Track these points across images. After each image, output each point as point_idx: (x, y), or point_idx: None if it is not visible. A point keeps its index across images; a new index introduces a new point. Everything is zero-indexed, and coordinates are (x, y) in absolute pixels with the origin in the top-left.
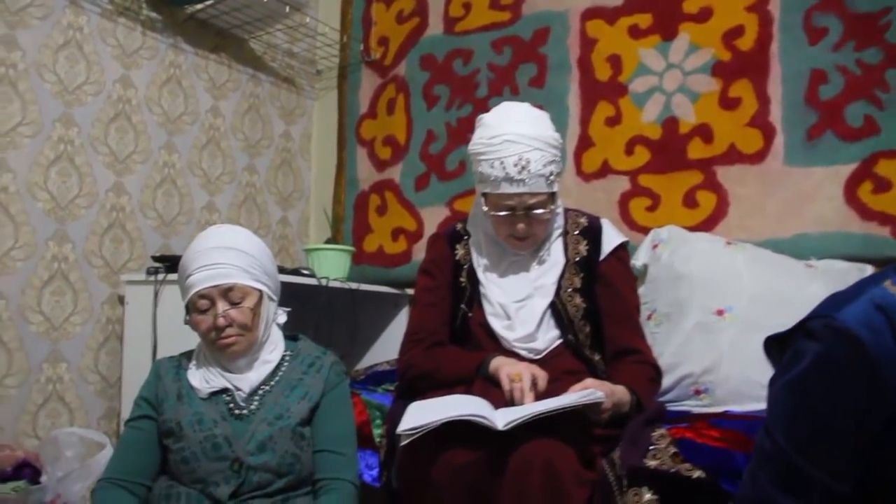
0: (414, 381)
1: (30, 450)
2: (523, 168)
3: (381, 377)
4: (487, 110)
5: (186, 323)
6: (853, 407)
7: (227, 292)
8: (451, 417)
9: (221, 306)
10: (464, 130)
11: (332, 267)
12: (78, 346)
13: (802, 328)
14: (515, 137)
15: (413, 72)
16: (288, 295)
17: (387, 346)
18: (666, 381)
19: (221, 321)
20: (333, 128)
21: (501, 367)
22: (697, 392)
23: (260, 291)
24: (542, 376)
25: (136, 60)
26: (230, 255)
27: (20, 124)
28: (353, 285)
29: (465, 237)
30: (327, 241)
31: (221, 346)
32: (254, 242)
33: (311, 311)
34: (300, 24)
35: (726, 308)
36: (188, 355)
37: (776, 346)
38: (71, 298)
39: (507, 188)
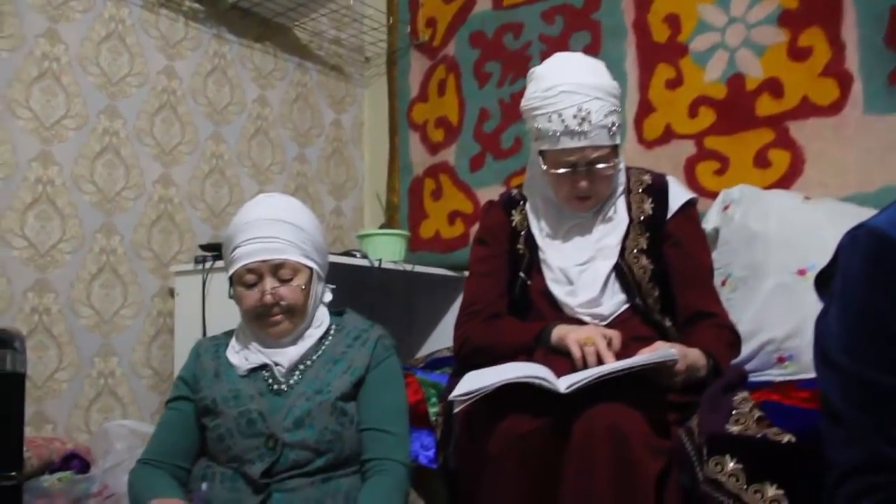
0: (471, 355)
1: (82, 444)
2: (583, 119)
3: (440, 364)
4: None
5: (231, 297)
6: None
7: (277, 269)
8: (507, 380)
9: (270, 283)
10: (518, 106)
11: (386, 252)
12: (129, 340)
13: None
14: (573, 87)
15: (463, 51)
16: (338, 280)
17: (446, 333)
18: (745, 350)
19: (269, 298)
20: (384, 114)
21: (567, 334)
22: (780, 360)
23: (311, 269)
24: (616, 335)
25: (179, 51)
26: (282, 228)
27: (65, 117)
28: (408, 267)
29: (521, 202)
30: (382, 227)
31: (266, 325)
32: (307, 215)
33: (363, 297)
34: (344, 6)
35: (809, 266)
36: (229, 334)
37: (825, 281)
38: (121, 291)
39: (567, 142)
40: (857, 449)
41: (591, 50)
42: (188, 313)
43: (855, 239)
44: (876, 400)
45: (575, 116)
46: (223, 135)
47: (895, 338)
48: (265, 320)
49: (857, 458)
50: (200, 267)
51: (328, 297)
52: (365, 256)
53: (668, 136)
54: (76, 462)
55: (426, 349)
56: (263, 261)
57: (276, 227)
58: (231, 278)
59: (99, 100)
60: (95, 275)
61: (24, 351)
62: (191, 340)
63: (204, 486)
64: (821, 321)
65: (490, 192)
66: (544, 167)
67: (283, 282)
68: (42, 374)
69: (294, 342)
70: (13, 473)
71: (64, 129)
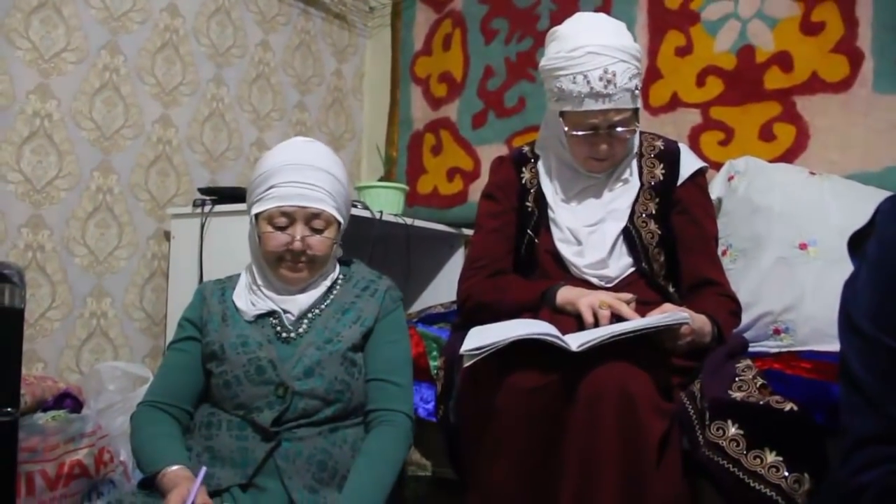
0: (474, 311)
1: (73, 384)
2: (609, 82)
3: (434, 319)
4: None
5: (257, 235)
6: None
7: (312, 217)
8: (519, 336)
9: (301, 230)
10: (524, 65)
11: (385, 204)
12: (123, 282)
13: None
14: (599, 49)
15: (470, 6)
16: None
17: (441, 289)
18: (743, 320)
19: (298, 245)
20: (387, 66)
21: (579, 298)
22: (777, 332)
23: (339, 223)
24: (630, 297)
25: None
26: (325, 178)
27: (64, 50)
28: (408, 220)
29: (532, 160)
30: (380, 180)
31: (288, 270)
32: (342, 169)
33: (362, 249)
34: None
35: (810, 241)
36: (233, 278)
37: (859, 243)
38: (116, 232)
39: (591, 105)
40: (872, 417)
41: (602, 12)
42: (184, 257)
43: (892, 207)
44: None
45: (601, 78)
46: (224, 78)
47: None
48: (286, 264)
49: (870, 427)
50: (199, 210)
51: (339, 252)
52: (366, 207)
53: (674, 103)
54: (69, 401)
55: (420, 304)
56: (301, 206)
57: (318, 175)
58: (256, 216)
59: (100, 34)
60: (91, 214)
61: (23, 286)
62: (185, 284)
63: (203, 469)
64: (849, 285)
65: (491, 151)
66: (565, 128)
67: (315, 231)
68: (34, 313)
69: (303, 290)
70: (10, 409)
71: (63, 63)
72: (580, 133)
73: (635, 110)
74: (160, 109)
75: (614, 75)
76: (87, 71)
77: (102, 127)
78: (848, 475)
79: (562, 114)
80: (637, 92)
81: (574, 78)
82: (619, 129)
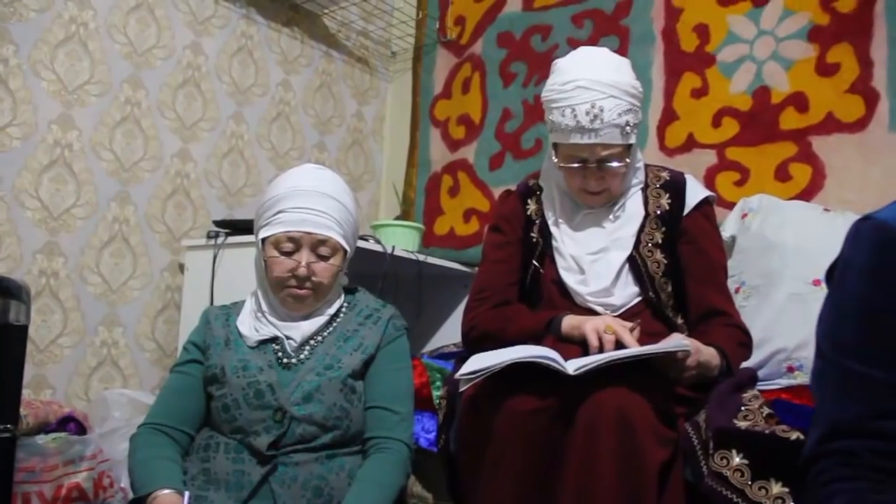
0: (478, 340)
1: (79, 409)
2: (595, 117)
3: (447, 357)
4: None
5: (263, 260)
6: (893, 299)
7: (318, 244)
8: (516, 359)
9: (307, 256)
10: (541, 107)
11: (400, 243)
12: (135, 312)
13: None
14: (588, 83)
15: (490, 50)
16: (349, 266)
17: (455, 328)
18: (756, 358)
19: (304, 271)
20: (407, 109)
21: (584, 322)
22: (790, 369)
23: (345, 251)
24: (633, 325)
25: (207, 28)
26: (333, 205)
27: (88, 82)
28: (421, 257)
29: (538, 192)
30: (396, 219)
31: (292, 296)
32: (351, 197)
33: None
34: None
35: (824, 278)
36: (239, 304)
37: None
38: (130, 262)
39: (577, 139)
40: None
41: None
42: (197, 290)
43: (859, 230)
44: (855, 389)
45: (587, 113)
46: (244, 115)
47: (884, 330)
48: (291, 290)
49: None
50: (212, 242)
51: (344, 280)
52: (378, 241)
53: (690, 144)
54: (72, 425)
55: (433, 344)
56: (308, 232)
57: (326, 202)
58: (263, 241)
59: (124, 68)
60: (107, 243)
61: (28, 303)
62: (197, 316)
63: (187, 494)
64: (823, 307)
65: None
66: (555, 160)
67: (321, 258)
68: (45, 338)
69: (307, 317)
70: (8, 426)
71: (86, 95)
72: (570, 165)
73: (628, 146)
74: (179, 143)
75: (601, 110)
76: (108, 103)
77: (122, 158)
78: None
79: (554, 145)
80: (629, 128)
81: (563, 111)
82: (609, 164)
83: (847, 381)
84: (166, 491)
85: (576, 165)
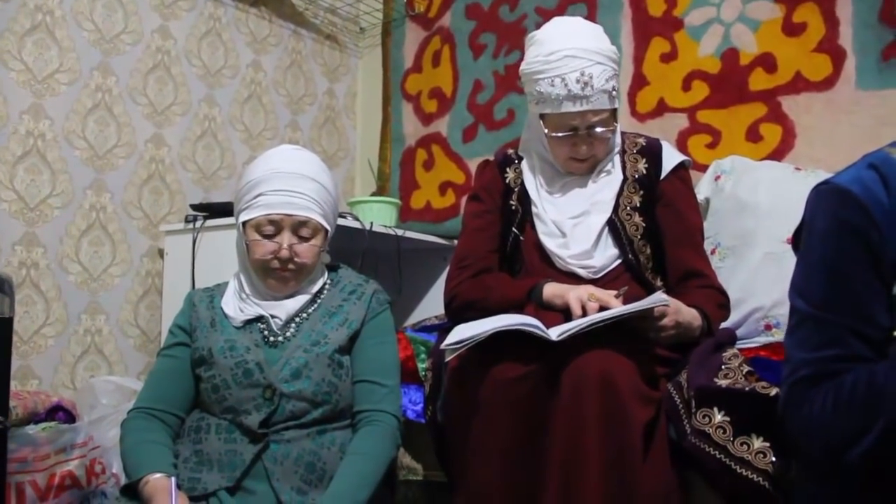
0: (460, 310)
1: (67, 398)
2: (586, 84)
3: (430, 330)
4: None
5: (245, 243)
6: (856, 255)
7: (299, 226)
8: (499, 328)
9: (288, 238)
10: (512, 77)
11: (377, 219)
12: (117, 299)
13: None
14: (576, 52)
15: (458, 22)
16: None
17: (436, 301)
18: (734, 317)
19: (286, 253)
20: (378, 85)
21: (567, 291)
22: (768, 327)
23: (326, 231)
24: (621, 294)
25: (174, 12)
26: (312, 186)
27: (57, 71)
28: (399, 231)
29: (517, 161)
30: (373, 195)
31: (275, 278)
32: (329, 176)
33: (353, 263)
34: None
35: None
36: (222, 286)
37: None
38: (109, 249)
39: (569, 107)
40: (786, 382)
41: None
42: (177, 274)
43: (819, 194)
44: (830, 337)
45: (578, 81)
46: (216, 98)
47: (848, 284)
48: (273, 273)
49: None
50: (191, 226)
51: (326, 258)
52: (356, 219)
53: (661, 109)
54: (61, 414)
55: (415, 317)
56: (288, 214)
57: (306, 183)
58: (243, 224)
59: (92, 56)
60: (85, 231)
61: (12, 295)
62: (179, 300)
63: (173, 479)
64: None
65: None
66: (545, 130)
67: (302, 239)
68: (28, 329)
69: (291, 295)
70: (0, 418)
71: (56, 83)
72: (560, 134)
73: (613, 110)
74: (153, 129)
75: (591, 77)
76: (79, 91)
77: (95, 146)
78: None
79: (542, 116)
80: (614, 93)
81: (552, 81)
82: (597, 129)
83: (818, 329)
84: (157, 475)
85: (566, 134)
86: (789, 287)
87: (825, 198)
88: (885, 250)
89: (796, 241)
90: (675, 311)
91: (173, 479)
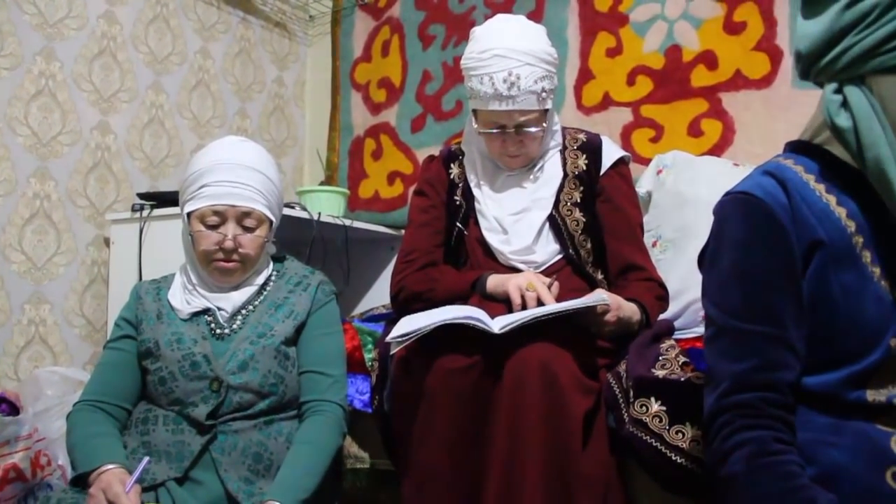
0: (406, 302)
1: (10, 390)
2: (513, 84)
3: (377, 319)
4: None
5: (189, 234)
6: (767, 257)
7: (243, 216)
8: (444, 321)
9: (233, 229)
10: (460, 69)
11: (325, 208)
12: (62, 288)
13: None
14: (505, 52)
15: (408, 12)
16: (276, 234)
17: (383, 291)
18: (672, 308)
19: (230, 244)
20: (327, 73)
21: (507, 280)
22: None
23: (271, 222)
24: (556, 283)
25: None
26: (256, 177)
27: None
28: (347, 222)
29: (460, 157)
30: (321, 185)
31: (220, 269)
32: (274, 167)
33: (301, 253)
34: None
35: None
36: (168, 278)
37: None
38: (54, 238)
39: (496, 105)
40: (712, 396)
41: (535, 16)
42: (124, 263)
43: (724, 207)
44: (747, 347)
45: (504, 81)
46: (163, 85)
47: (763, 290)
48: (218, 264)
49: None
50: (138, 215)
51: (272, 249)
52: (304, 208)
53: (606, 102)
54: (4, 406)
55: (363, 307)
56: (232, 205)
57: (250, 174)
58: (188, 215)
59: (35, 40)
60: (28, 220)
61: None
62: (126, 290)
63: (146, 459)
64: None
65: (430, 154)
66: (475, 125)
67: (246, 230)
68: None
69: (237, 287)
70: None
71: None
72: (489, 131)
73: (545, 111)
74: (98, 116)
75: (518, 78)
76: (21, 77)
77: (39, 133)
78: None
79: (474, 111)
80: (545, 94)
81: (482, 78)
82: (526, 129)
83: (737, 340)
84: (110, 466)
85: (495, 131)
86: (701, 297)
87: (732, 206)
88: (793, 248)
89: (702, 260)
90: (617, 307)
91: (147, 458)
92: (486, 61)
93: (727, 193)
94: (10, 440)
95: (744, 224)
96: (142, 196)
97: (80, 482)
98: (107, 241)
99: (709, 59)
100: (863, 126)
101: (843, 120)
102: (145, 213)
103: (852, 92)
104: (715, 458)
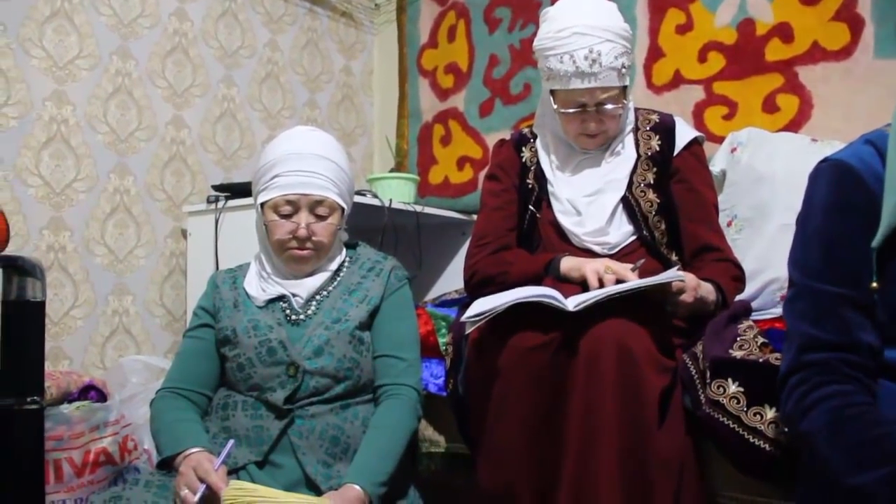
0: (480, 286)
1: (98, 378)
2: (594, 61)
3: (449, 304)
4: None
5: (263, 224)
6: (852, 226)
7: (316, 204)
8: (518, 299)
9: (306, 217)
10: (527, 52)
11: (396, 195)
12: (143, 280)
13: None
14: (585, 29)
15: None
16: (348, 221)
17: (455, 276)
18: (749, 289)
19: (303, 232)
20: (394, 61)
21: (584, 264)
22: (784, 298)
23: (342, 209)
24: (637, 266)
25: None
26: (327, 165)
27: (78, 57)
28: (418, 208)
29: (532, 140)
30: (391, 171)
31: (294, 257)
32: (345, 156)
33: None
34: None
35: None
36: (244, 267)
37: None
38: (134, 231)
39: (577, 83)
40: (790, 354)
41: None
42: (201, 253)
43: (818, 171)
44: (826, 309)
45: (586, 58)
46: (234, 78)
47: (845, 253)
48: (293, 252)
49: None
50: (213, 206)
51: (345, 236)
52: (375, 196)
53: (677, 81)
54: (93, 393)
55: (435, 292)
56: (305, 194)
57: (321, 163)
58: (262, 205)
59: (111, 40)
60: (109, 214)
61: (43, 279)
62: (203, 280)
63: (231, 442)
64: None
65: (499, 138)
66: (555, 106)
67: (319, 218)
68: (58, 311)
69: (311, 274)
70: (36, 398)
71: (77, 69)
72: (570, 111)
73: (624, 88)
74: (172, 111)
75: (599, 55)
76: (99, 76)
77: (117, 130)
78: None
79: (552, 92)
80: (624, 70)
81: (561, 58)
82: (607, 106)
83: (819, 301)
84: (195, 449)
85: (575, 110)
86: (788, 258)
87: (825, 172)
88: (878, 217)
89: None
90: (695, 286)
91: (231, 441)
92: (564, 40)
93: (823, 160)
94: (100, 426)
95: (832, 189)
96: (216, 188)
97: (166, 466)
98: (184, 233)
99: (784, 31)
100: None
101: None
102: (220, 204)
103: None
104: (794, 413)
